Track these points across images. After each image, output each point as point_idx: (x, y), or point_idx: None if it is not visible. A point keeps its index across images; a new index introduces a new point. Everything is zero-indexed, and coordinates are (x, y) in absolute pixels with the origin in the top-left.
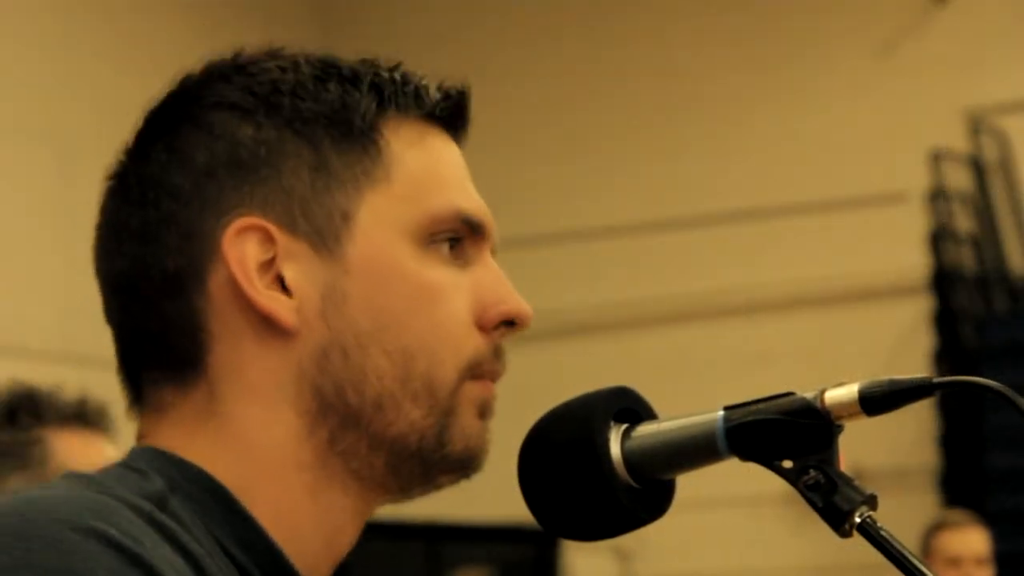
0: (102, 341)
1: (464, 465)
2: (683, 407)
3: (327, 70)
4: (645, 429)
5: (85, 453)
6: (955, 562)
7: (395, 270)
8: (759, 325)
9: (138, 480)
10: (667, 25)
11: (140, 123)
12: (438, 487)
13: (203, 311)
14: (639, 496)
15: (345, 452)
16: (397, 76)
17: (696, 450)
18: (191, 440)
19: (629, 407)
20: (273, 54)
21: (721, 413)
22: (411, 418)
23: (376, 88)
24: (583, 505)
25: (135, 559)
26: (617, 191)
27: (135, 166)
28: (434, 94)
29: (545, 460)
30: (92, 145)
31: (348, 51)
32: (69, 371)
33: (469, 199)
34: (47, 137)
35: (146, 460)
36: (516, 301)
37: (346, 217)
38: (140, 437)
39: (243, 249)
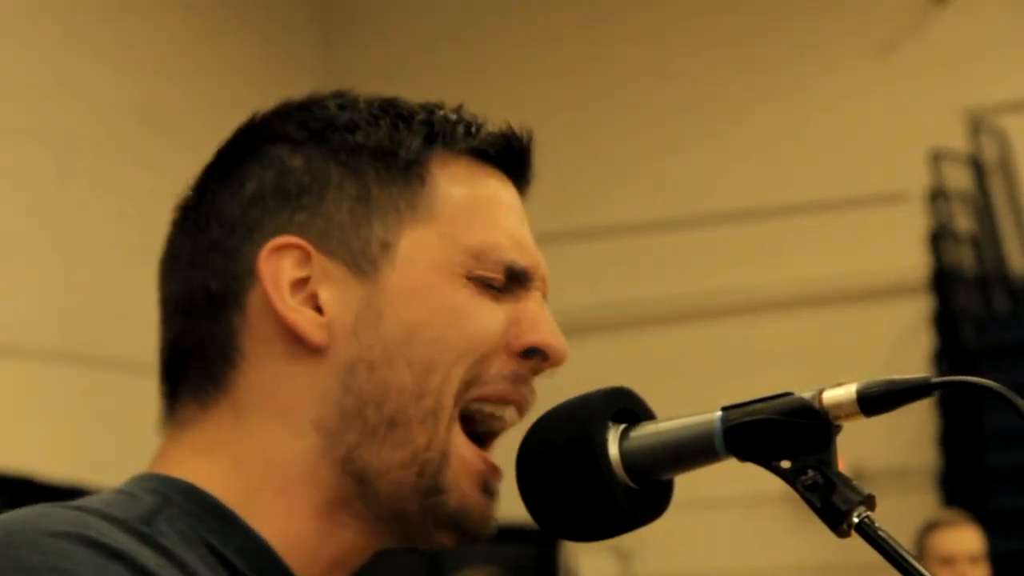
0: (101, 341)
1: (460, 528)
2: (683, 407)
3: (384, 109)
4: (643, 429)
5: None
6: (949, 561)
7: (433, 291)
8: (759, 325)
9: (126, 503)
10: (667, 25)
11: (209, 159)
12: (436, 541)
13: (238, 330)
14: (637, 496)
15: (357, 474)
16: (451, 114)
17: (694, 450)
18: (199, 457)
19: (627, 407)
20: (339, 95)
21: (719, 413)
22: (416, 444)
23: (427, 124)
24: (581, 506)
25: (114, 552)
26: (617, 191)
27: (195, 196)
28: (487, 133)
29: (543, 461)
30: (91, 145)
31: (347, 51)
32: (67, 371)
33: (515, 247)
34: (46, 137)
35: (138, 484)
36: (551, 334)
37: (386, 246)
38: (159, 452)
39: (278, 265)
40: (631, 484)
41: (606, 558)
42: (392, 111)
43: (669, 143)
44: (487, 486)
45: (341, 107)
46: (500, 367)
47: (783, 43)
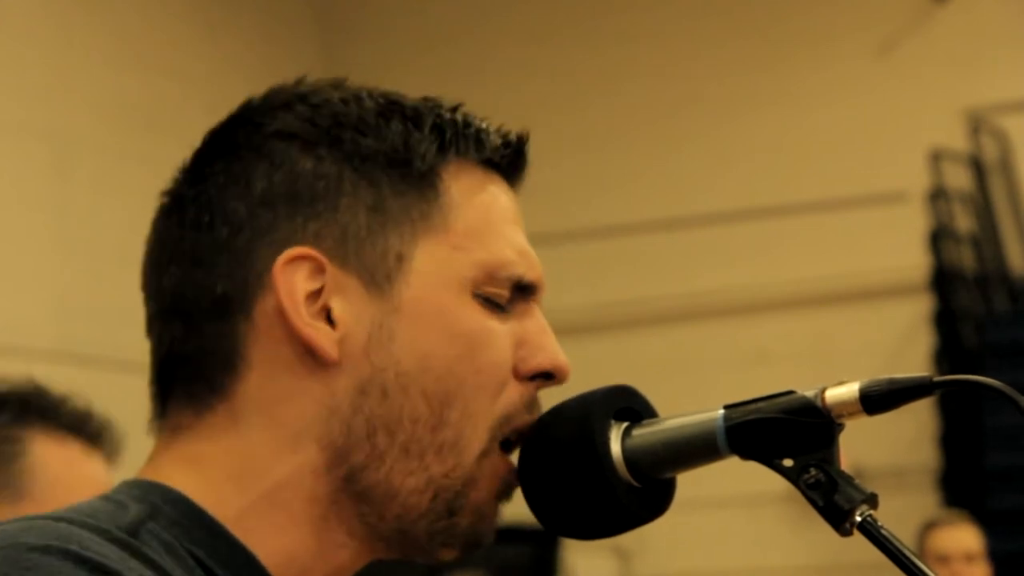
0: (98, 340)
1: (467, 542)
2: (683, 407)
3: (390, 106)
4: (645, 428)
5: (70, 465)
6: (944, 559)
7: (445, 315)
8: (759, 325)
9: (113, 511)
10: (667, 25)
11: (200, 145)
12: (438, 558)
13: (244, 337)
14: (639, 495)
15: (360, 494)
16: (459, 118)
17: (696, 449)
18: (192, 466)
19: (629, 406)
20: (336, 85)
21: (721, 412)
22: (431, 472)
23: (438, 130)
24: (583, 504)
25: (96, 566)
26: (617, 191)
27: (192, 187)
28: (494, 140)
29: (545, 459)
30: (89, 143)
31: (347, 51)
32: (65, 370)
33: (523, 260)
34: (44, 135)
35: (127, 491)
36: (555, 353)
37: (400, 259)
38: (150, 456)
39: (293, 278)
40: (633, 482)
41: (606, 558)
42: (399, 111)
43: (669, 143)
44: (507, 493)
45: (344, 101)
46: (517, 395)
47: (783, 43)
